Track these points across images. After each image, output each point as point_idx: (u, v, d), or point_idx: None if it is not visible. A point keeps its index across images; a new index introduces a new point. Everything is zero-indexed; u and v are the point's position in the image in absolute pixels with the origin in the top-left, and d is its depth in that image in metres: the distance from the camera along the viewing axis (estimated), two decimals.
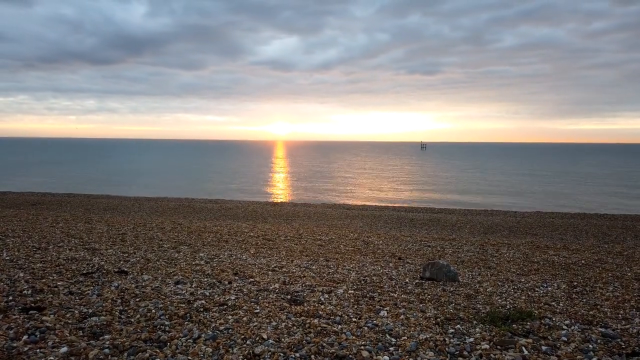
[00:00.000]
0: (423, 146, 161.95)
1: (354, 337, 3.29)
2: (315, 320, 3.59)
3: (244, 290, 4.45)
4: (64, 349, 2.84)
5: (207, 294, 4.24)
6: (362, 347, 3.09)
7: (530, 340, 3.32)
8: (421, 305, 4.24)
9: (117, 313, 3.56)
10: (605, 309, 4.36)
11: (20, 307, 3.55)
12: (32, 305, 3.62)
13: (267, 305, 3.97)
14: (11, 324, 3.19)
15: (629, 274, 6.21)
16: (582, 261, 7.25)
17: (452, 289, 4.98)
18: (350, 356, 2.96)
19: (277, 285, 4.70)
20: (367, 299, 4.38)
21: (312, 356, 2.94)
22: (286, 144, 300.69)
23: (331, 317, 3.71)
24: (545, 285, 5.36)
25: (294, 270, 5.61)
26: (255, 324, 3.47)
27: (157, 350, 2.92)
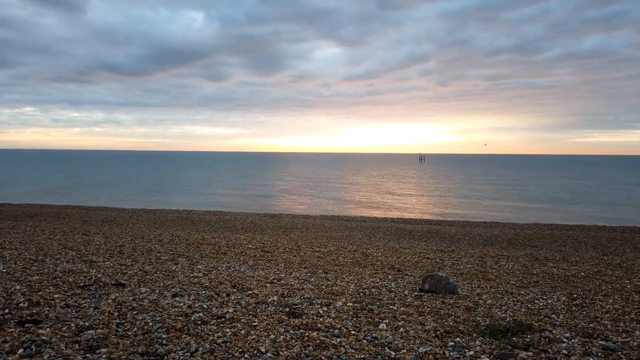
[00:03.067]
0: (421, 158, 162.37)
1: (353, 351, 3.26)
2: (314, 333, 3.56)
3: (242, 302, 4.43)
4: None
5: (205, 306, 4.22)
6: None
7: (530, 354, 3.30)
8: (420, 318, 4.21)
9: (114, 326, 3.53)
10: (606, 322, 4.34)
11: (16, 320, 3.52)
12: (28, 318, 3.59)
13: (265, 318, 3.94)
14: (7, 337, 3.16)
15: (629, 286, 6.19)
16: (582, 273, 7.23)
17: (451, 301, 4.96)
18: None
19: (275, 298, 4.68)
20: (366, 311, 4.35)
21: None
22: (291, 155, 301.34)
23: (330, 330, 3.68)
24: (545, 298, 5.34)
25: (293, 283, 5.59)
26: (254, 337, 3.45)
27: None
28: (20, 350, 2.96)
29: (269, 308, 4.28)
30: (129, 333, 3.41)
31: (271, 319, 3.90)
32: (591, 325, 4.21)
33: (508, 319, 4.27)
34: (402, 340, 3.51)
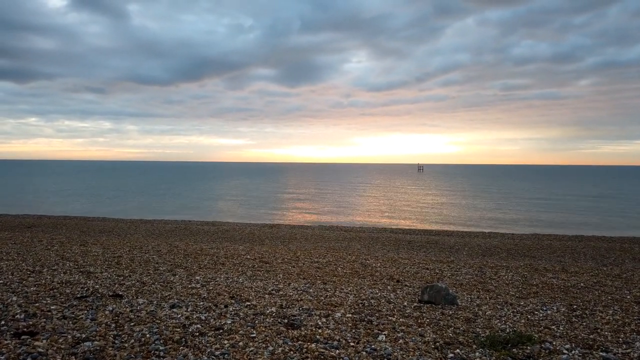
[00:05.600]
0: (420, 168, 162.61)
1: None
2: (313, 345, 3.54)
3: (241, 314, 4.40)
4: None
5: (203, 317, 4.19)
6: None
7: None
8: (420, 329, 4.19)
9: (111, 338, 3.50)
10: (606, 333, 4.32)
11: (12, 332, 3.49)
12: (25, 330, 3.57)
13: (263, 329, 3.91)
14: (2, 349, 3.13)
15: (629, 297, 6.18)
16: (581, 284, 7.21)
17: (451, 312, 4.93)
18: None
19: (274, 309, 4.65)
20: (365, 322, 4.32)
21: None
22: (295, 166, 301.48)
23: (329, 342, 3.65)
24: (544, 309, 5.32)
25: (291, 294, 5.56)
26: (252, 348, 3.42)
27: None
28: None
29: (267, 319, 4.25)
30: (126, 345, 3.38)
31: (269, 331, 3.88)
32: (591, 336, 4.19)
33: (508, 330, 4.25)
34: (401, 352, 3.49)
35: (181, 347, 3.38)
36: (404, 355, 3.41)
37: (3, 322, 3.72)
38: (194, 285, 5.79)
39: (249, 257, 9.09)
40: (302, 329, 3.99)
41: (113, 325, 3.82)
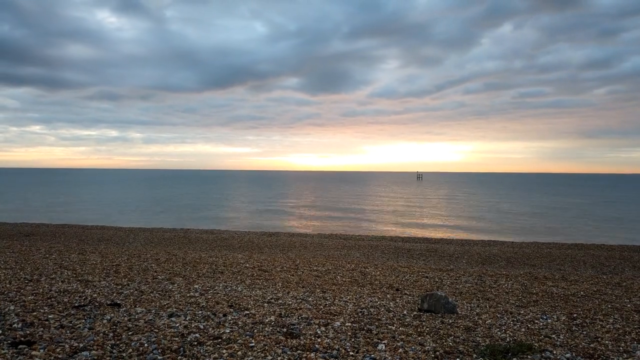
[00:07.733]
0: (419, 176, 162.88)
1: None
2: (312, 355, 3.52)
3: (239, 323, 4.38)
4: None
5: (202, 327, 4.17)
6: None
7: None
8: (420, 338, 4.17)
9: (108, 347, 3.48)
10: (606, 342, 4.30)
11: (9, 342, 3.47)
12: (22, 339, 3.54)
13: (262, 338, 3.89)
14: None
15: (629, 306, 6.16)
16: (581, 292, 7.19)
17: (450, 321, 4.91)
18: None
19: (272, 318, 4.63)
20: (364, 331, 4.30)
21: None
22: (299, 174, 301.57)
23: (328, 351, 3.64)
24: (544, 317, 5.30)
25: (290, 302, 5.53)
26: (251, 358, 3.40)
27: None
28: None
29: (266, 328, 4.23)
30: (124, 354, 3.36)
31: (268, 340, 3.86)
32: (592, 345, 4.17)
33: (508, 339, 4.23)
34: None
35: (179, 357, 3.36)
36: None
37: (0, 332, 3.69)
38: (192, 294, 5.77)
39: (247, 265, 9.06)
40: (301, 338, 3.97)
41: (111, 334, 3.80)
